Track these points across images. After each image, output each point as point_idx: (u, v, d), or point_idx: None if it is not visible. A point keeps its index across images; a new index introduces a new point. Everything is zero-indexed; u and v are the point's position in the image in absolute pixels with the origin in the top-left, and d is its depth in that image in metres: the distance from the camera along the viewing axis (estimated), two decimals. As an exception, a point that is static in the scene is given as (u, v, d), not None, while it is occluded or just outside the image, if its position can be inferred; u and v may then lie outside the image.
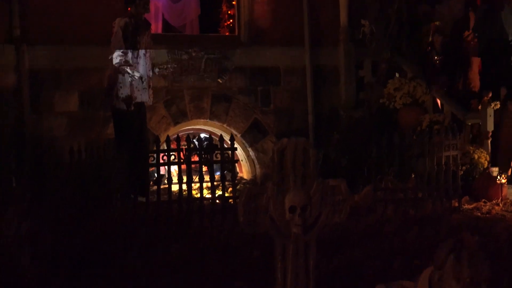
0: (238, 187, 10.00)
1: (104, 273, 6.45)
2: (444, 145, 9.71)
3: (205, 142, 10.14)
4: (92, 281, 6.27)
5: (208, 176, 9.66)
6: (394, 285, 3.16)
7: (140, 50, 10.16)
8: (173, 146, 9.74)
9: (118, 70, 10.10)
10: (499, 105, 11.30)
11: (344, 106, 12.84)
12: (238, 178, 10.49)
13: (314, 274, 4.77)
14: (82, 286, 6.20)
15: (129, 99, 10.09)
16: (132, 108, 10.10)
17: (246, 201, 4.71)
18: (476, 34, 12.71)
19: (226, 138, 10.19)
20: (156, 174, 9.68)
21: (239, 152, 12.34)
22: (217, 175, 10.03)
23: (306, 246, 4.78)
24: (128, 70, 10.15)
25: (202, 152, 9.62)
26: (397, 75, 12.60)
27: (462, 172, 10.17)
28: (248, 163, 12.73)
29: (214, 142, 10.15)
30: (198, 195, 9.60)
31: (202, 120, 12.37)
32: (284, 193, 4.74)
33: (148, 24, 10.65)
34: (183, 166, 9.50)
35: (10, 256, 5.94)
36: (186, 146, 9.83)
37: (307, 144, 4.87)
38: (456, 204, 9.61)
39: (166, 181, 9.47)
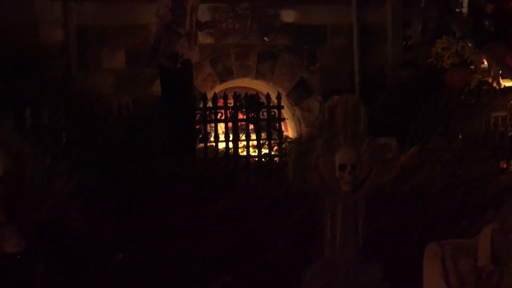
0: (283, 145, 9.98)
1: (152, 224, 6.52)
2: (492, 106, 9.58)
3: (252, 100, 10.11)
4: (140, 231, 6.35)
5: (255, 134, 9.67)
6: (448, 243, 3.12)
7: (186, 7, 10.11)
8: (219, 104, 9.75)
9: (165, 28, 10.07)
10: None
11: (391, 66, 12.70)
12: (283, 137, 10.45)
13: (363, 232, 4.78)
14: (129, 236, 6.28)
15: (176, 56, 10.06)
16: (179, 65, 10.09)
17: (296, 158, 4.72)
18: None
19: (272, 96, 10.16)
20: (202, 132, 9.70)
21: (285, 111, 12.30)
22: (263, 133, 10.02)
23: (356, 204, 4.78)
24: (175, 27, 10.13)
25: (249, 110, 9.61)
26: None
27: (511, 133, 10.04)
28: (293, 122, 12.70)
29: (260, 100, 10.13)
30: (244, 153, 9.61)
31: (248, 78, 12.34)
32: (334, 150, 4.73)
33: (194, -19, 10.59)
34: (230, 124, 9.51)
35: (59, 209, 6.02)
36: (233, 104, 9.84)
37: (358, 101, 4.85)
38: (504, 166, 9.50)
39: (212, 139, 9.50)
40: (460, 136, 9.73)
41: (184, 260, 5.78)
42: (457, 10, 13.13)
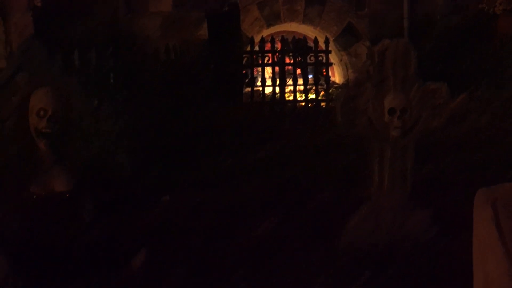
0: (330, 91, 9.92)
1: (196, 167, 6.55)
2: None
3: (299, 45, 10.03)
4: (185, 173, 6.38)
5: (301, 79, 9.62)
6: (500, 188, 3.06)
7: None
8: (267, 48, 9.69)
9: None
10: None
11: (440, 12, 12.47)
12: (330, 82, 10.38)
13: (411, 178, 4.73)
14: (174, 178, 6.32)
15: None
16: (226, 8, 10.03)
17: (345, 102, 4.67)
18: None
19: (320, 41, 10.05)
20: (249, 76, 9.68)
21: (332, 56, 12.20)
22: (310, 78, 9.96)
23: (404, 149, 4.73)
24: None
25: (296, 54, 9.55)
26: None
27: None
28: (340, 67, 12.58)
29: (308, 45, 10.05)
30: (291, 97, 9.58)
31: (295, 22, 12.20)
32: (383, 95, 4.68)
33: None
34: (277, 68, 9.47)
35: (106, 151, 6.08)
36: (280, 48, 9.77)
37: (409, 46, 4.78)
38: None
39: (259, 83, 9.47)
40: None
41: (228, 204, 5.80)
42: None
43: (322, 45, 9.88)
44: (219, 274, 4.01)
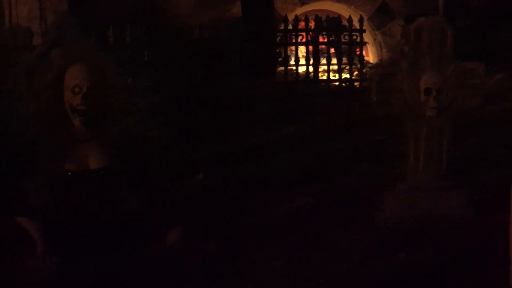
0: (364, 70, 9.85)
1: (229, 143, 6.57)
2: None
3: (333, 23, 9.96)
4: (218, 147, 6.41)
5: (335, 58, 9.56)
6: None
7: None
8: (300, 26, 9.64)
9: None
10: None
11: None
12: (364, 61, 10.31)
13: (446, 158, 4.69)
14: (208, 152, 6.35)
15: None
16: (260, -14, 10.00)
17: (380, 80, 4.64)
18: None
19: (354, 20, 9.98)
20: (282, 55, 9.64)
21: (366, 35, 12.11)
22: (344, 57, 9.90)
23: (440, 129, 4.69)
24: None
25: (330, 33, 9.49)
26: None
27: None
28: (374, 47, 12.49)
29: (342, 24, 9.98)
30: (324, 77, 9.54)
31: (329, 1, 12.12)
32: (418, 74, 4.63)
33: None
34: (310, 47, 9.42)
35: (140, 126, 6.11)
36: (314, 27, 9.72)
37: (445, 24, 4.72)
38: None
39: (292, 62, 9.44)
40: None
41: (263, 178, 5.83)
42: None
43: (356, 24, 9.81)
44: (252, 248, 4.01)
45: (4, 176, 4.00)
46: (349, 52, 9.69)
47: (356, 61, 9.62)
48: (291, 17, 9.86)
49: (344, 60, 9.72)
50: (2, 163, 4.18)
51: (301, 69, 9.58)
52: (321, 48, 9.85)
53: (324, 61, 9.52)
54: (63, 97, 4.03)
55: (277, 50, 9.88)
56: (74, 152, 4.00)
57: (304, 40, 9.52)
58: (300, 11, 11.73)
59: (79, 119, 3.98)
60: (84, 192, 3.98)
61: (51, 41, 5.08)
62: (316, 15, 10.06)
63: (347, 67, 9.60)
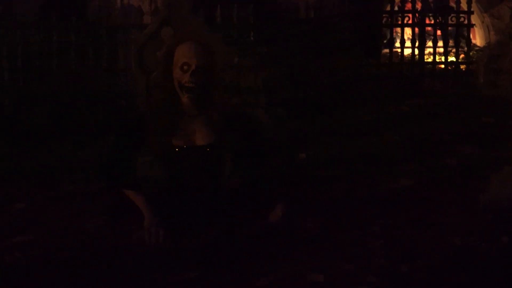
0: (471, 53, 9.69)
1: (334, 122, 6.60)
2: None
3: (440, 4, 9.83)
4: (323, 128, 6.43)
5: (441, 41, 9.43)
6: None
7: None
8: (407, 7, 9.54)
9: None
10: None
11: None
12: (471, 44, 10.13)
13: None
14: (312, 132, 6.39)
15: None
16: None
17: (487, 62, 4.59)
18: None
19: (462, 1, 9.82)
20: (388, 36, 9.58)
21: (474, 17, 11.88)
22: (451, 40, 9.75)
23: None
24: None
25: (437, 15, 9.37)
26: None
27: None
28: (482, 30, 12.23)
29: (449, 5, 9.83)
30: (430, 59, 9.43)
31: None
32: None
33: None
34: (416, 29, 9.33)
35: (247, 103, 6.20)
36: (420, 8, 9.61)
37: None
38: None
39: (398, 45, 9.36)
40: None
41: (368, 155, 5.87)
42: None
43: (464, 5, 9.65)
44: (357, 224, 4.04)
45: (115, 150, 4.13)
46: (456, 35, 9.54)
47: (463, 44, 9.47)
48: (397, -2, 9.77)
49: (451, 42, 9.58)
50: (113, 139, 4.32)
51: (407, 52, 9.50)
52: (428, 30, 9.73)
53: (430, 43, 9.39)
54: (172, 75, 4.11)
55: (382, 32, 9.83)
56: (182, 128, 4.08)
57: (410, 22, 9.42)
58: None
59: (188, 96, 4.06)
60: (190, 167, 4.07)
61: (161, 20, 5.23)
62: (423, -4, 9.95)
63: (454, 50, 9.45)
